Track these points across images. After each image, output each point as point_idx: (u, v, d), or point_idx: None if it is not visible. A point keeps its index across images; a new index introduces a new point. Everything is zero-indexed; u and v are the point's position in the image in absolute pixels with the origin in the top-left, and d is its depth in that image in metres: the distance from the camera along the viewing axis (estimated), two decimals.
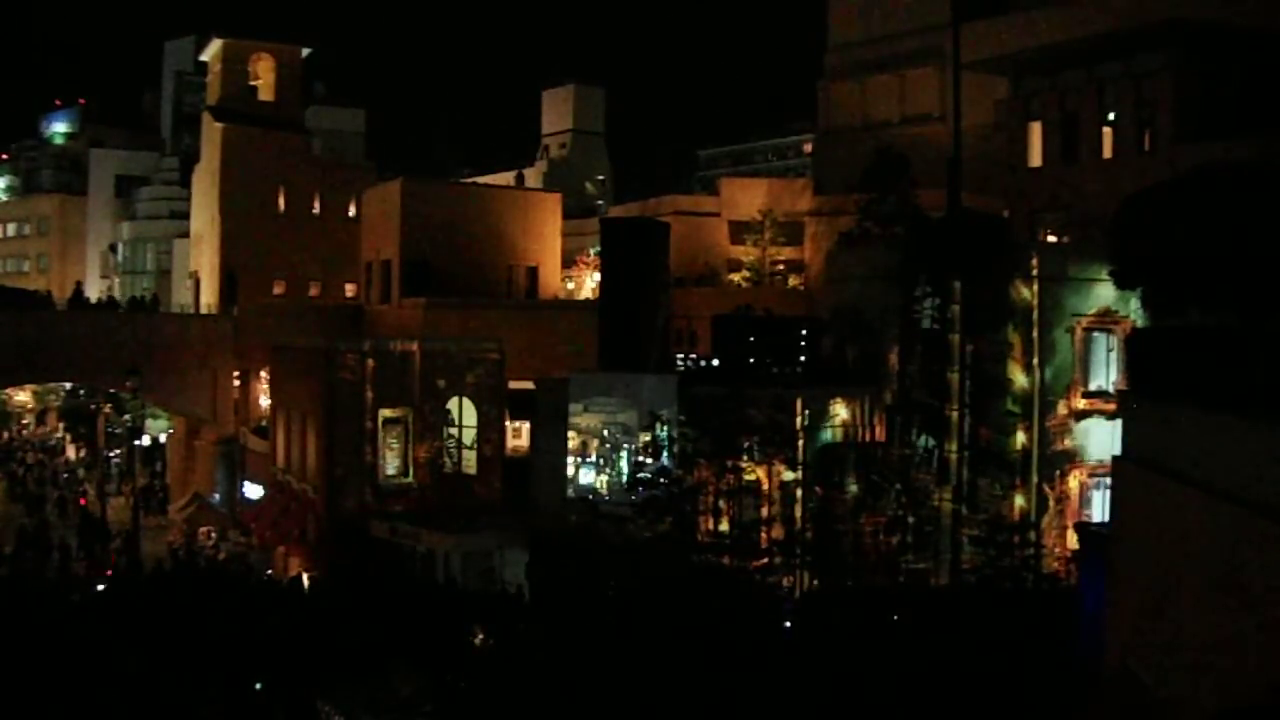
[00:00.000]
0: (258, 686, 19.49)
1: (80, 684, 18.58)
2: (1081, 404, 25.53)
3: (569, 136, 78.50)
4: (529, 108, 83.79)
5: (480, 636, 22.02)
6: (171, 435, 51.97)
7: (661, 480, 24.69)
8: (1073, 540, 23.21)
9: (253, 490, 40.35)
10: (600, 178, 75.11)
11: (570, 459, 27.92)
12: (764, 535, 25.24)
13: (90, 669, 19.23)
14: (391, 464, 33.18)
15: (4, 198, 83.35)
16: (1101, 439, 24.43)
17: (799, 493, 26.03)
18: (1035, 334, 25.25)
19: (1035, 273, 25.28)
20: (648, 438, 26.25)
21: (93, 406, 54.90)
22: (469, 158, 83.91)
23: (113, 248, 72.02)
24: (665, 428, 25.56)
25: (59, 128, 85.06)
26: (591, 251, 48.48)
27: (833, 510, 25.93)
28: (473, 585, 28.44)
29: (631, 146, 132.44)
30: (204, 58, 59.56)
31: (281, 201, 53.74)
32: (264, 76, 56.45)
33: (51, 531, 40.68)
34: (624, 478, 26.62)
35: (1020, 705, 16.30)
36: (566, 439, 27.95)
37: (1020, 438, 25.32)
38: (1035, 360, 25.26)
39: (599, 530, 25.38)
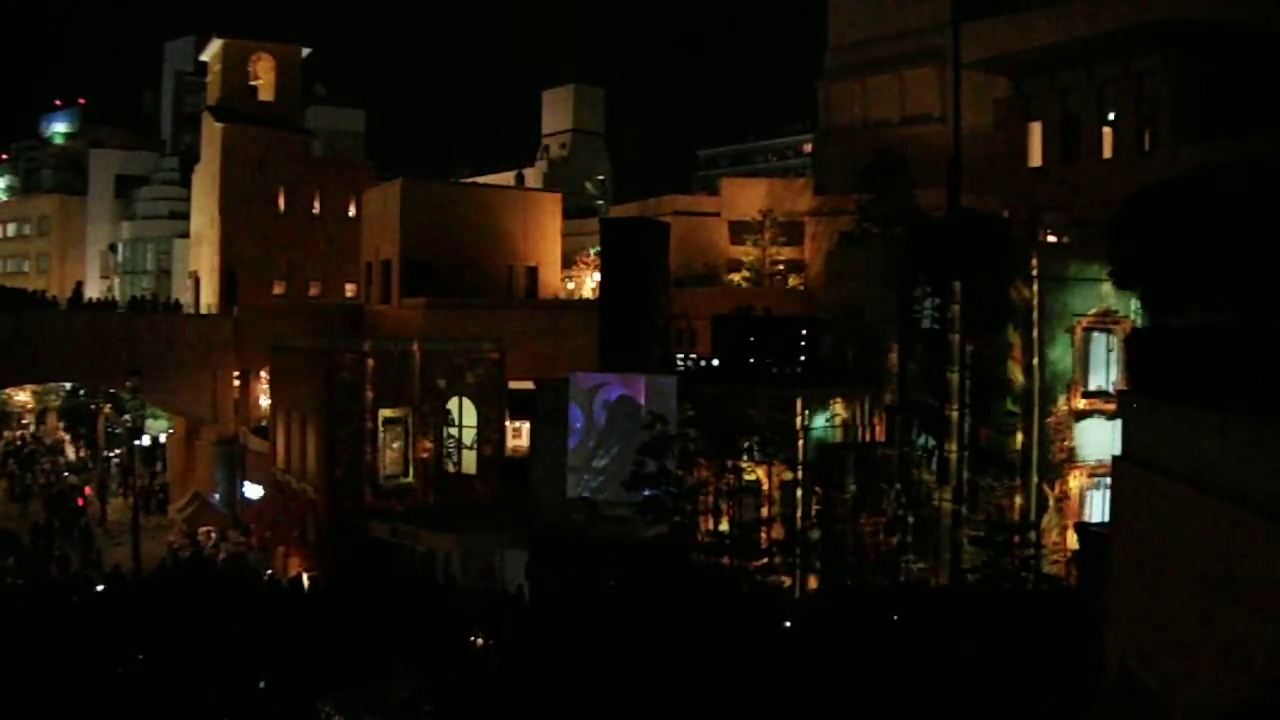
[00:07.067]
0: (260, 686, 19.50)
1: (81, 684, 18.59)
2: (1081, 404, 25.55)
3: (569, 136, 78.65)
4: (529, 108, 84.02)
5: (480, 637, 22.03)
6: (171, 435, 51.92)
7: (661, 480, 24.65)
8: (1073, 540, 23.22)
9: (253, 490, 40.33)
10: (600, 178, 75.17)
11: (571, 459, 27.88)
12: (764, 535, 25.24)
13: (91, 669, 19.24)
14: (391, 464, 33.17)
15: (4, 198, 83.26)
16: (1101, 439, 24.44)
17: (799, 493, 26.03)
18: (1035, 334, 25.28)
19: (1035, 273, 25.31)
20: (648, 438, 26.22)
21: (93, 406, 54.86)
22: (469, 158, 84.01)
23: (113, 248, 71.97)
24: (665, 427, 25.52)
25: (59, 128, 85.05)
26: (591, 251, 48.48)
27: (833, 510, 25.93)
28: (473, 585, 28.41)
29: (631, 146, 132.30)
30: (204, 58, 59.61)
31: (281, 201, 53.84)
32: (264, 76, 56.50)
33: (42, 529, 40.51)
34: (624, 478, 26.56)
35: (1021, 706, 16.30)
36: (566, 439, 27.92)
37: (1020, 438, 25.33)
38: (1035, 360, 25.28)
39: (599, 530, 25.37)
